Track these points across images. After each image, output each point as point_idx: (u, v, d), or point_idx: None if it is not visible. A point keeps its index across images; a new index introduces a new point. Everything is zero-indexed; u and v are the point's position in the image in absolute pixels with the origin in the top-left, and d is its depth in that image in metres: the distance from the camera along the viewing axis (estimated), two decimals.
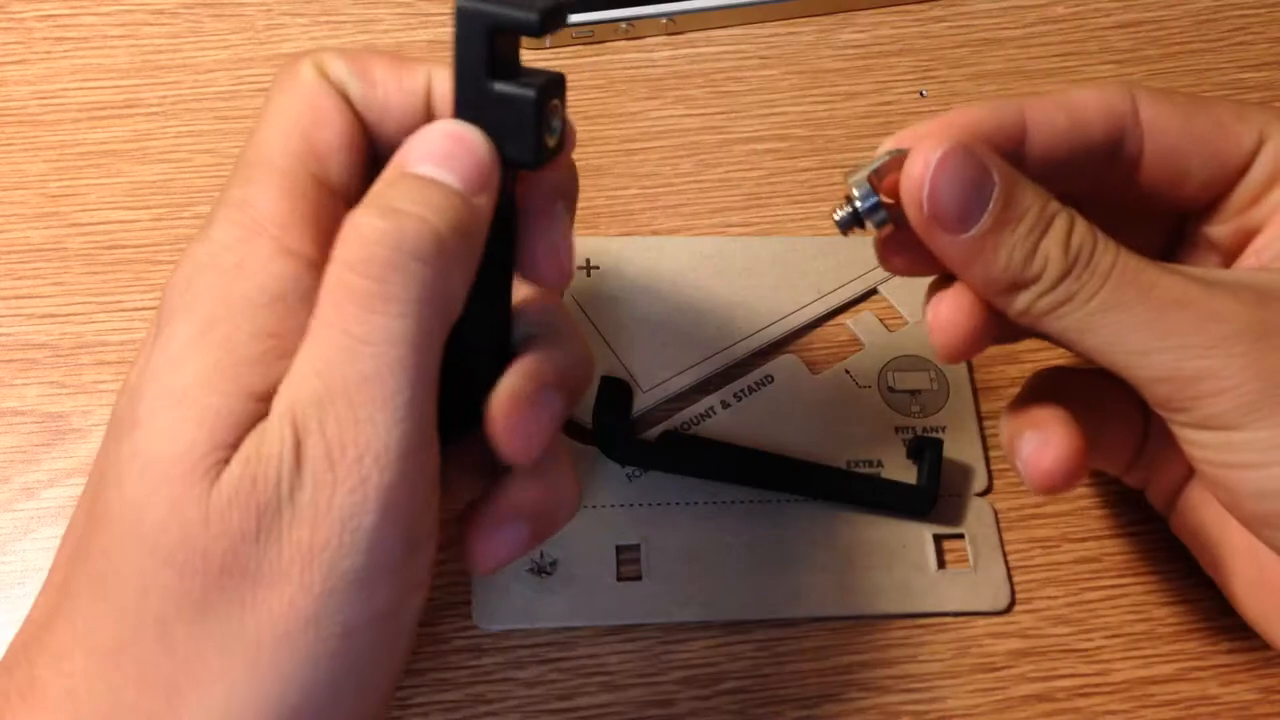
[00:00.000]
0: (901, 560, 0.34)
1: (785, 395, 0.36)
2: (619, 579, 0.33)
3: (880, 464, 0.35)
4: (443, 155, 0.24)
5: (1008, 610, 0.34)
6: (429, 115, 0.26)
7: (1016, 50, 0.44)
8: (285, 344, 0.23)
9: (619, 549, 0.34)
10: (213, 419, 0.23)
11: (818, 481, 0.34)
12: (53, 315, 0.37)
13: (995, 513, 0.35)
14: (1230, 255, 0.30)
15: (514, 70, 0.24)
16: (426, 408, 0.23)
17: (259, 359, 0.23)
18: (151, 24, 0.43)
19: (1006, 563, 0.34)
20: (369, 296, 0.22)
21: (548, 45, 0.43)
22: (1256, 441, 0.26)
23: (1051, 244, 0.26)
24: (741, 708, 0.32)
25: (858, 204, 0.27)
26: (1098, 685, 0.33)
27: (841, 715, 0.32)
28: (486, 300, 0.25)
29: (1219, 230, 0.30)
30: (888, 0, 0.45)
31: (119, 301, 0.38)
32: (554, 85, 0.24)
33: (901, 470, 0.35)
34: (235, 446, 0.23)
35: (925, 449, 0.34)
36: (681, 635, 0.33)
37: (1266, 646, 0.33)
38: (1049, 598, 0.34)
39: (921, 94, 0.43)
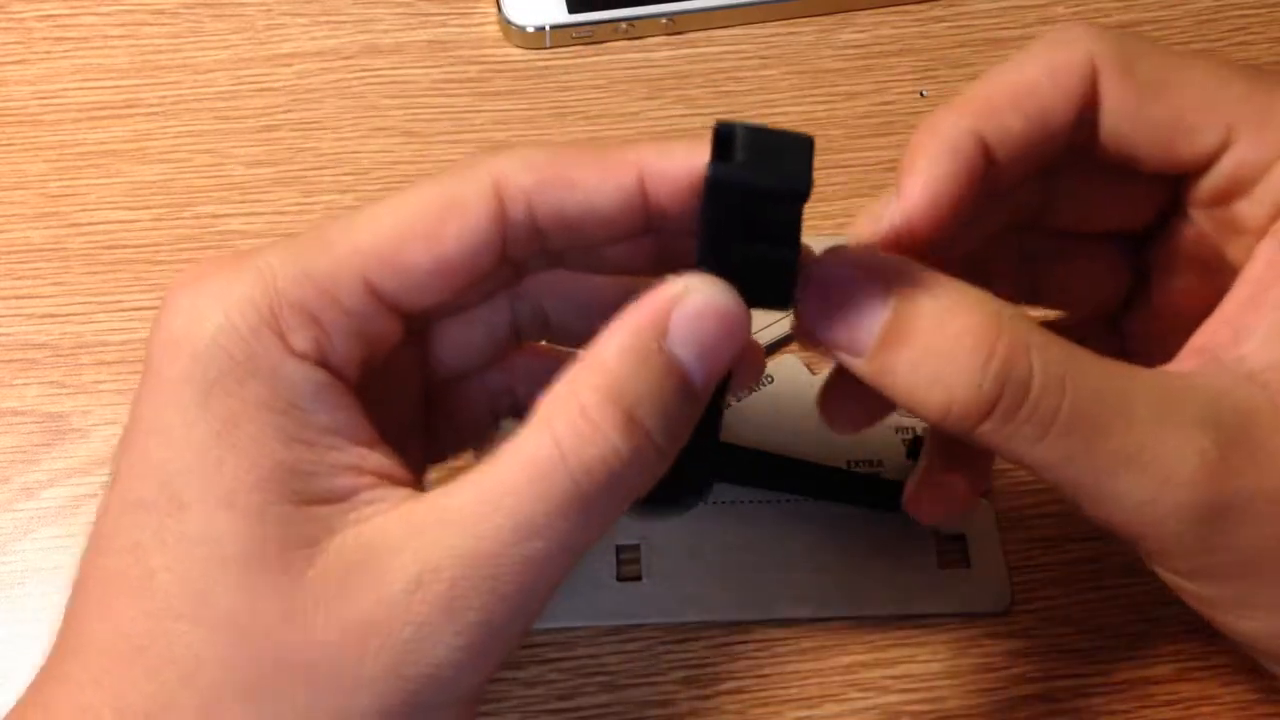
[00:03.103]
0: (902, 561, 0.34)
1: (785, 395, 0.36)
2: (619, 579, 0.33)
3: (880, 464, 0.35)
4: (709, 346, 0.22)
5: (1008, 610, 0.34)
6: (643, 199, 0.24)
7: (1016, 50, 0.44)
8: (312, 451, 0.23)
9: (619, 549, 0.34)
10: (277, 523, 0.22)
11: (817, 482, 0.34)
12: (53, 315, 0.37)
13: (995, 513, 0.35)
14: (1223, 235, 0.27)
15: (764, 227, 0.22)
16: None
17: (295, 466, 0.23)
18: (151, 24, 0.43)
19: (1006, 563, 0.34)
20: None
21: (547, 45, 0.43)
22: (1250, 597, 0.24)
23: (956, 375, 0.23)
24: (741, 708, 0.32)
25: None
26: (1098, 685, 0.33)
27: (841, 715, 0.32)
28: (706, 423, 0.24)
29: (1200, 214, 0.27)
30: (888, 0, 0.45)
31: (119, 301, 0.38)
32: (799, 240, 0.23)
33: (901, 470, 0.35)
34: (304, 546, 0.22)
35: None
36: (681, 635, 0.33)
37: None
38: (1049, 598, 0.34)
39: (922, 94, 0.43)
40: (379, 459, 0.24)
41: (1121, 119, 0.26)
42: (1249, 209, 0.26)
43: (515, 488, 0.22)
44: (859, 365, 0.24)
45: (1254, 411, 0.23)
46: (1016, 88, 0.26)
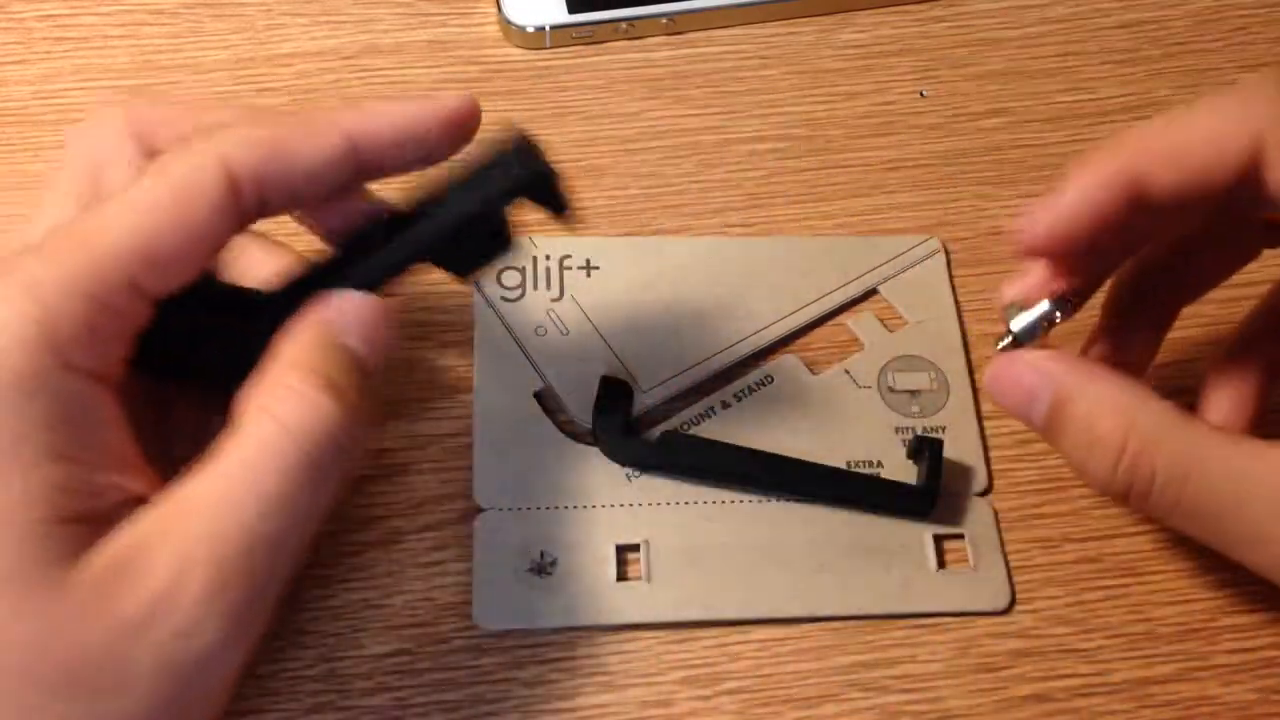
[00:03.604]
0: (902, 560, 0.34)
1: (785, 395, 0.36)
2: (619, 579, 0.33)
3: (880, 464, 0.35)
4: (368, 330, 0.28)
5: (1008, 610, 0.34)
6: (354, 156, 0.28)
7: (1016, 50, 0.44)
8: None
9: (619, 549, 0.34)
10: (41, 541, 0.23)
11: (817, 482, 0.34)
12: None
13: (995, 513, 0.35)
14: None
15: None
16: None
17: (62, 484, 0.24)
18: (151, 24, 0.43)
19: (1007, 563, 0.34)
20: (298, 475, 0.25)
21: (547, 45, 0.43)
22: None
23: (1097, 466, 0.29)
24: (741, 708, 0.32)
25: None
26: (1098, 685, 0.33)
27: (841, 715, 0.32)
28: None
29: None
30: (888, 0, 0.45)
31: None
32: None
33: (901, 470, 0.35)
34: (66, 561, 0.23)
35: (925, 449, 0.34)
36: (681, 635, 0.33)
37: (1267, 647, 0.33)
38: (1049, 598, 0.34)
39: (922, 94, 0.43)
40: (138, 472, 0.26)
41: None
42: None
43: (253, 468, 0.25)
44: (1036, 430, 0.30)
45: None
46: (1170, 138, 0.28)
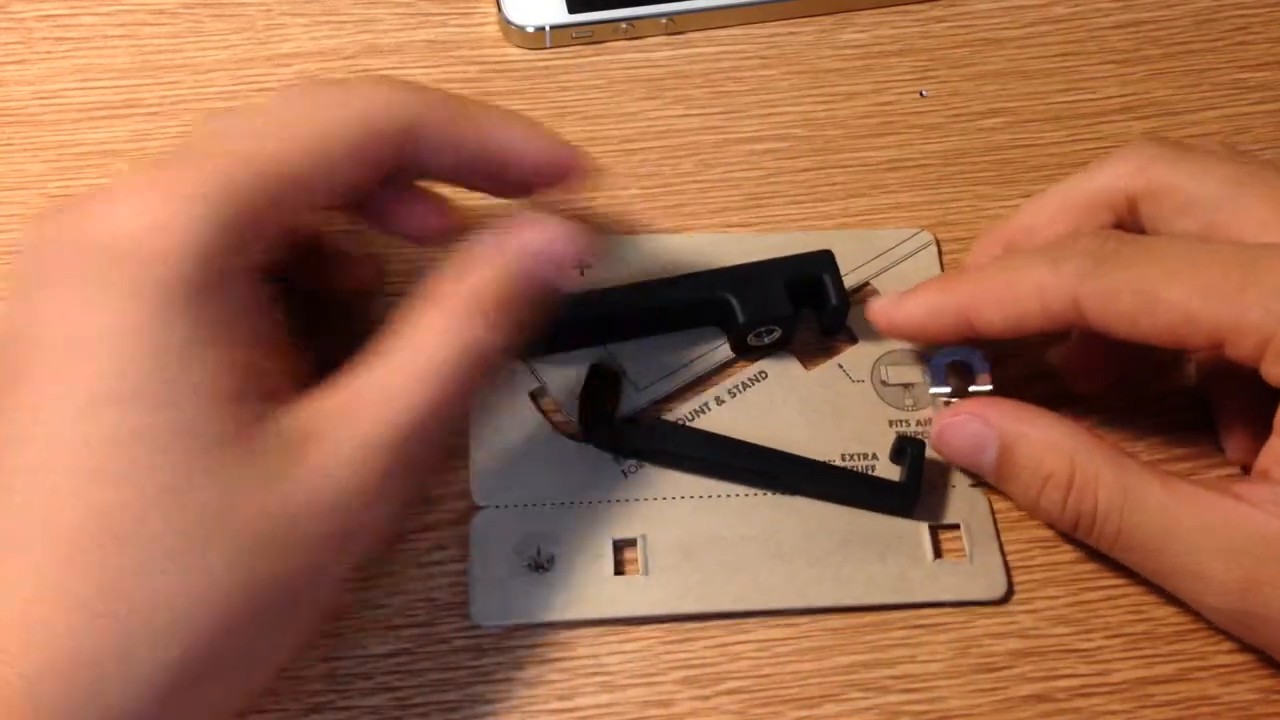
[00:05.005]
0: (897, 551, 0.34)
1: (779, 390, 0.36)
2: (617, 573, 0.33)
3: (874, 457, 0.35)
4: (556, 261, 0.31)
5: (1005, 600, 0.34)
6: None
7: (1016, 50, 0.44)
8: None
9: (616, 544, 0.34)
10: (240, 416, 0.26)
11: (800, 475, 0.34)
12: None
13: (990, 502, 0.35)
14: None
15: None
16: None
17: None
18: (151, 24, 0.43)
19: (1003, 551, 0.34)
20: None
21: (547, 45, 0.43)
22: None
23: (1049, 502, 0.32)
24: (741, 708, 0.32)
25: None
26: (1098, 685, 0.33)
27: (841, 715, 0.32)
28: None
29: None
30: (888, 0, 0.45)
31: None
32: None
33: (893, 467, 0.35)
34: (260, 434, 0.26)
35: (908, 448, 0.34)
36: (682, 635, 0.33)
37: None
38: (1049, 598, 0.34)
39: (922, 94, 0.43)
40: (292, 360, 0.29)
41: (1119, 331, 0.31)
42: (1271, 369, 0.29)
43: (425, 369, 0.28)
44: (985, 476, 0.34)
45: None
46: (1000, 290, 0.32)
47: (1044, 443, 0.31)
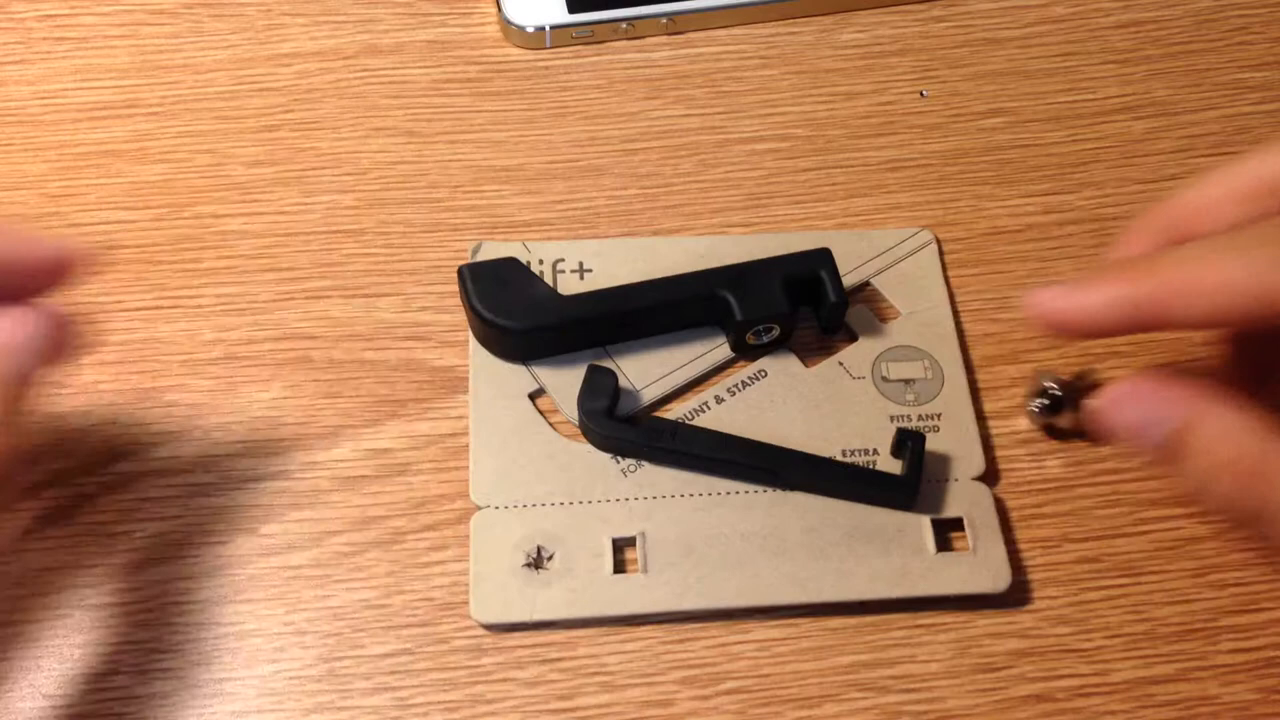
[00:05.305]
0: (899, 545, 0.34)
1: (779, 388, 0.36)
2: (616, 571, 0.33)
3: (876, 452, 0.35)
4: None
5: (1011, 592, 0.34)
6: None
7: (1016, 50, 0.44)
8: None
9: (615, 542, 0.34)
10: None
11: (800, 470, 0.34)
12: None
13: (992, 495, 0.35)
14: None
15: None
16: None
17: None
18: (151, 24, 0.43)
19: (1007, 544, 0.34)
20: None
21: (548, 45, 0.43)
22: None
23: (1227, 490, 0.28)
24: (741, 708, 0.32)
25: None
26: (1098, 685, 0.33)
27: (841, 715, 0.32)
28: None
29: None
30: (888, 0, 0.45)
31: (119, 301, 0.38)
32: None
33: (894, 462, 0.35)
34: None
35: (908, 441, 0.34)
36: (682, 635, 0.33)
37: (1267, 647, 0.33)
38: (1049, 598, 0.34)
39: (922, 94, 0.43)
40: None
41: None
42: None
43: None
44: (1146, 453, 0.30)
45: None
46: (1192, 280, 0.29)
47: (1229, 429, 0.29)
